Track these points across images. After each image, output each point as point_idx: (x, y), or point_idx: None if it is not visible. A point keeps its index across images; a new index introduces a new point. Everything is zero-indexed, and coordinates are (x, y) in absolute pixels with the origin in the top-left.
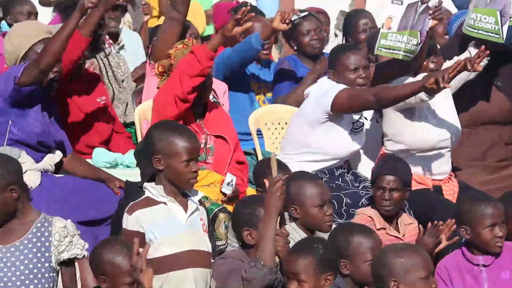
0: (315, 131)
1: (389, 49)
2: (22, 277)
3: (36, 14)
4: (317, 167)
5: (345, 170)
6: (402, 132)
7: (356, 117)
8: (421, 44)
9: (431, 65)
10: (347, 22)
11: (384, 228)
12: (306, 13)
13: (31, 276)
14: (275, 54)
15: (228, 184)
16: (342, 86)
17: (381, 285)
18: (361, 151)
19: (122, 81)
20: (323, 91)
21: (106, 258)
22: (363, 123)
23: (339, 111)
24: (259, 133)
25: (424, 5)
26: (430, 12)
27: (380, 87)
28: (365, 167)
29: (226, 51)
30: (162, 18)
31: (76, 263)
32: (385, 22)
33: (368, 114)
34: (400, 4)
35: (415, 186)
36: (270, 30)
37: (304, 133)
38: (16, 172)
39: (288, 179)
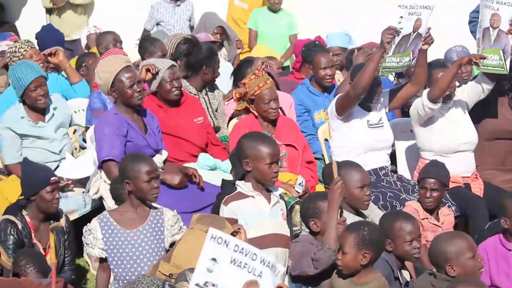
0: None
1: (387, 68)
2: (148, 255)
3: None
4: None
5: (388, 172)
6: (428, 141)
7: None
8: (413, 60)
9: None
10: None
11: (427, 218)
12: None
13: (154, 254)
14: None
15: (300, 184)
16: None
17: (440, 270)
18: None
19: (216, 109)
20: None
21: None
22: None
23: None
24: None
25: (416, 33)
26: (423, 38)
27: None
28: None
29: None
30: (252, 50)
31: None
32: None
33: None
34: (397, 36)
35: (450, 185)
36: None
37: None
38: None
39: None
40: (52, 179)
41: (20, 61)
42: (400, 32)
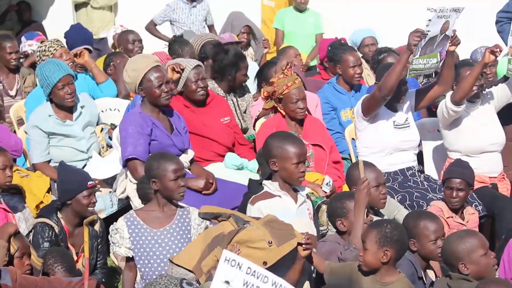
0: None
1: (414, 70)
2: (174, 254)
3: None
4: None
5: (415, 172)
6: (456, 142)
7: None
8: (441, 61)
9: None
10: None
11: (452, 217)
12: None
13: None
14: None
15: (327, 184)
16: None
17: (453, 269)
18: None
19: (245, 111)
20: None
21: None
22: None
23: None
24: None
25: (443, 35)
26: (450, 40)
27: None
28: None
29: None
30: (279, 50)
31: None
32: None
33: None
34: (423, 38)
35: (476, 185)
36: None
37: None
38: None
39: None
40: (89, 183)
41: (48, 59)
42: (427, 34)
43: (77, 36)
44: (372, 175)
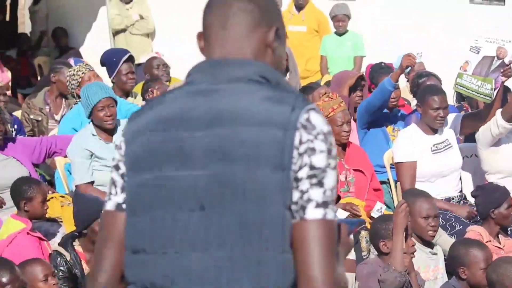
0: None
1: (464, 87)
2: None
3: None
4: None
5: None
6: (498, 164)
7: None
8: (496, 90)
9: None
10: None
11: (490, 241)
12: None
13: None
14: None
15: (378, 210)
16: None
17: None
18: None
19: None
20: None
21: None
22: None
23: None
24: (392, 166)
25: (500, 61)
26: (502, 69)
27: None
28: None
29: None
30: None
31: None
32: (462, 64)
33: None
34: (476, 53)
35: None
36: (398, 73)
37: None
38: None
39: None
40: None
41: (94, 82)
42: (479, 50)
43: (114, 53)
44: (424, 205)
